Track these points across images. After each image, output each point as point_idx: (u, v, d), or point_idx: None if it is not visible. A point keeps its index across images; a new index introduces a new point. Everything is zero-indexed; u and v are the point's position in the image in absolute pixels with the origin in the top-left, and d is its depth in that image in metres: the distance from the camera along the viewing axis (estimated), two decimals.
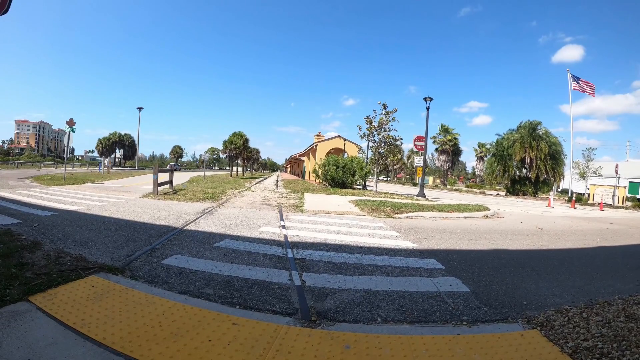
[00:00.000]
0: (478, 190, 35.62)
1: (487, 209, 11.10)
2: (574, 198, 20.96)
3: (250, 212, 8.38)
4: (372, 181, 23.89)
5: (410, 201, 12.93)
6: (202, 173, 35.61)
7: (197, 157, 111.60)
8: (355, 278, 3.77)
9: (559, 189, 34.93)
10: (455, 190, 36.37)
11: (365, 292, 3.34)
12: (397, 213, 9.19)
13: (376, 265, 4.33)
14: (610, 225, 9.91)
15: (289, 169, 72.38)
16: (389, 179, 66.67)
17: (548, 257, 5.43)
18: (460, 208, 10.69)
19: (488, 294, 3.47)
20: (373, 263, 4.43)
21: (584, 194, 28.03)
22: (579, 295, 3.54)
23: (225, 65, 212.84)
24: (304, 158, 38.81)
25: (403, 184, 48.99)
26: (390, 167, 55.18)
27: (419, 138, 17.05)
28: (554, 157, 28.76)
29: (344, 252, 4.91)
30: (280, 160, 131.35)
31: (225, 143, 35.49)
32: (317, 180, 24.02)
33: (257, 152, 52.65)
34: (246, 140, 36.94)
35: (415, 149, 18.71)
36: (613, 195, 21.82)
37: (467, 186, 46.62)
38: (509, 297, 3.40)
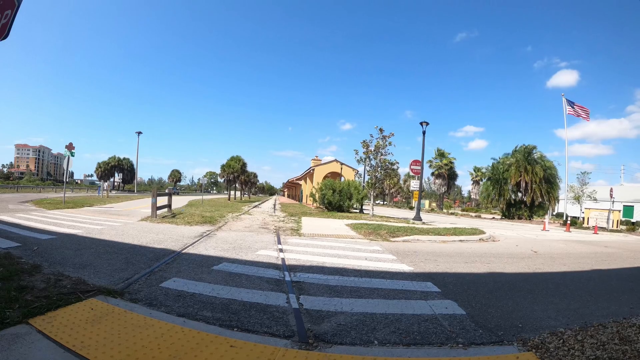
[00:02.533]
0: (474, 214, 35.66)
1: (482, 232, 11.14)
2: (569, 221, 21.04)
3: (248, 236, 8.38)
4: (368, 205, 23.95)
5: (406, 225, 12.96)
6: (200, 197, 35.54)
7: (196, 181, 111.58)
8: (352, 301, 3.78)
9: (554, 213, 35.07)
10: (451, 214, 36.41)
11: (362, 315, 3.35)
12: (394, 236, 9.21)
13: (373, 288, 4.33)
14: (604, 249, 9.94)
15: (286, 193, 72.46)
16: (385, 202, 66.71)
17: (543, 280, 5.45)
18: (456, 231, 10.72)
19: (484, 316, 3.48)
20: (370, 286, 4.44)
21: (578, 217, 28.14)
22: (574, 317, 3.55)
23: (224, 90, 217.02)
24: (301, 182, 39.00)
25: (399, 208, 48.98)
26: (386, 191, 55.42)
27: (415, 162, 17.33)
28: (549, 181, 29.13)
29: (340, 275, 4.92)
30: (277, 184, 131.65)
31: (223, 167, 35.70)
32: (315, 204, 24.04)
33: (255, 176, 52.85)
34: (244, 165, 37.22)
35: (411, 173, 18.96)
36: (608, 219, 21.92)
37: (463, 210, 46.68)
38: (504, 319, 3.42)
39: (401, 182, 61.53)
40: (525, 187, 28.91)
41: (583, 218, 26.63)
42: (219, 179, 41.00)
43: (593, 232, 17.72)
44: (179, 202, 28.68)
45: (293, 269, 5.13)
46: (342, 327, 3.02)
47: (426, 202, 50.75)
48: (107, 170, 58.87)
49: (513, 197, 30.95)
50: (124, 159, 61.03)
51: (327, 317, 3.26)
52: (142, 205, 17.82)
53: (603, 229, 20.49)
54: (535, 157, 30.22)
